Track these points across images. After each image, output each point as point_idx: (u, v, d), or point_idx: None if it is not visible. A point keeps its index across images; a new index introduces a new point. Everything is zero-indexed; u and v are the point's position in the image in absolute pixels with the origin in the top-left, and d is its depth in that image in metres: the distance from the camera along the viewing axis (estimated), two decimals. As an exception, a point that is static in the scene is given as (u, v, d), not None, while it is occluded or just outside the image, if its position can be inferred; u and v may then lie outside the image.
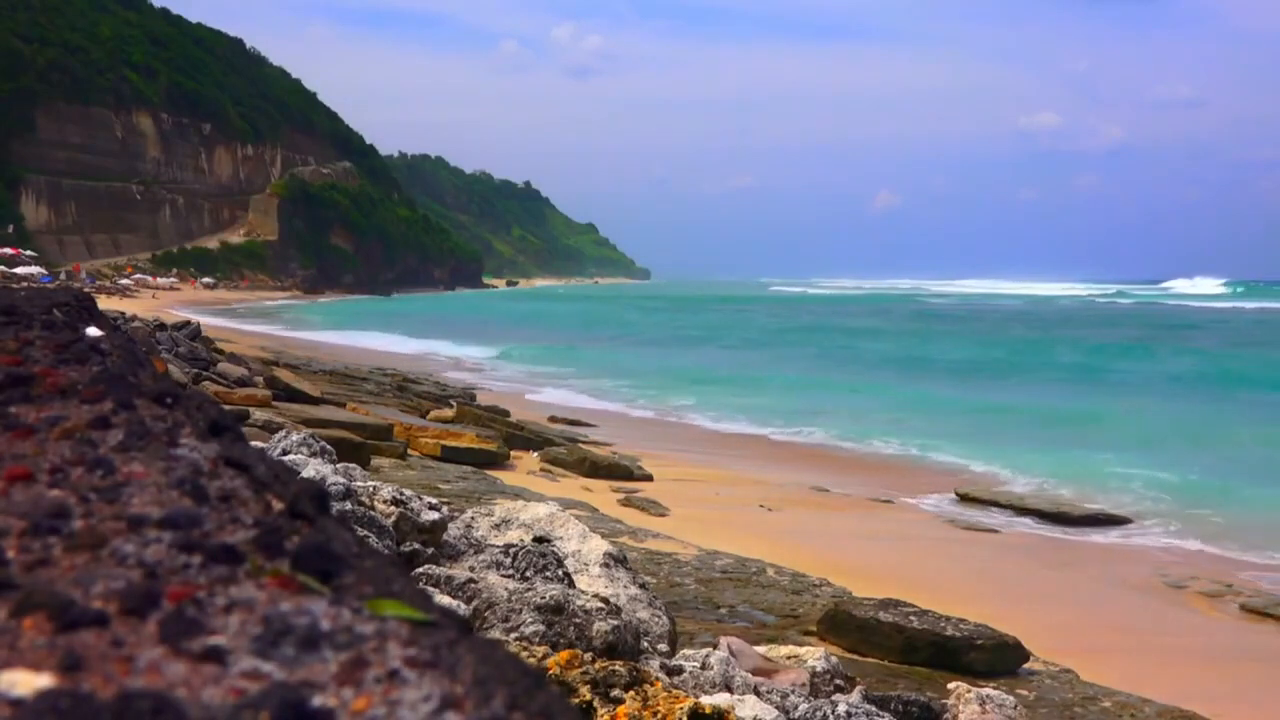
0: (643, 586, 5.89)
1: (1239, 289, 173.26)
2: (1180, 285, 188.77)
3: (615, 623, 4.57)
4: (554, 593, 4.58)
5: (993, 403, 26.63)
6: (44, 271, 63.01)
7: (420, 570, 4.89)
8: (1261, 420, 24.04)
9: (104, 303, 19.13)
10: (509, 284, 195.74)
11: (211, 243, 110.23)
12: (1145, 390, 30.74)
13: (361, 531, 4.73)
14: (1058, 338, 55.90)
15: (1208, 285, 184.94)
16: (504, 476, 13.51)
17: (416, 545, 5.36)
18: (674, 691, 3.75)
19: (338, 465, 6.45)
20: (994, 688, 6.02)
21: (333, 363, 29.70)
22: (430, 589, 4.56)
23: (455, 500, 10.37)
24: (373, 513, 5.31)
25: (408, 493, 5.85)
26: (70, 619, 0.68)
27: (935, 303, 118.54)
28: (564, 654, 3.81)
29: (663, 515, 12.31)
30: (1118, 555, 11.84)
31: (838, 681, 5.62)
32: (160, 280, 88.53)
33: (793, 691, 5.00)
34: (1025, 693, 7.05)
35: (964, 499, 14.45)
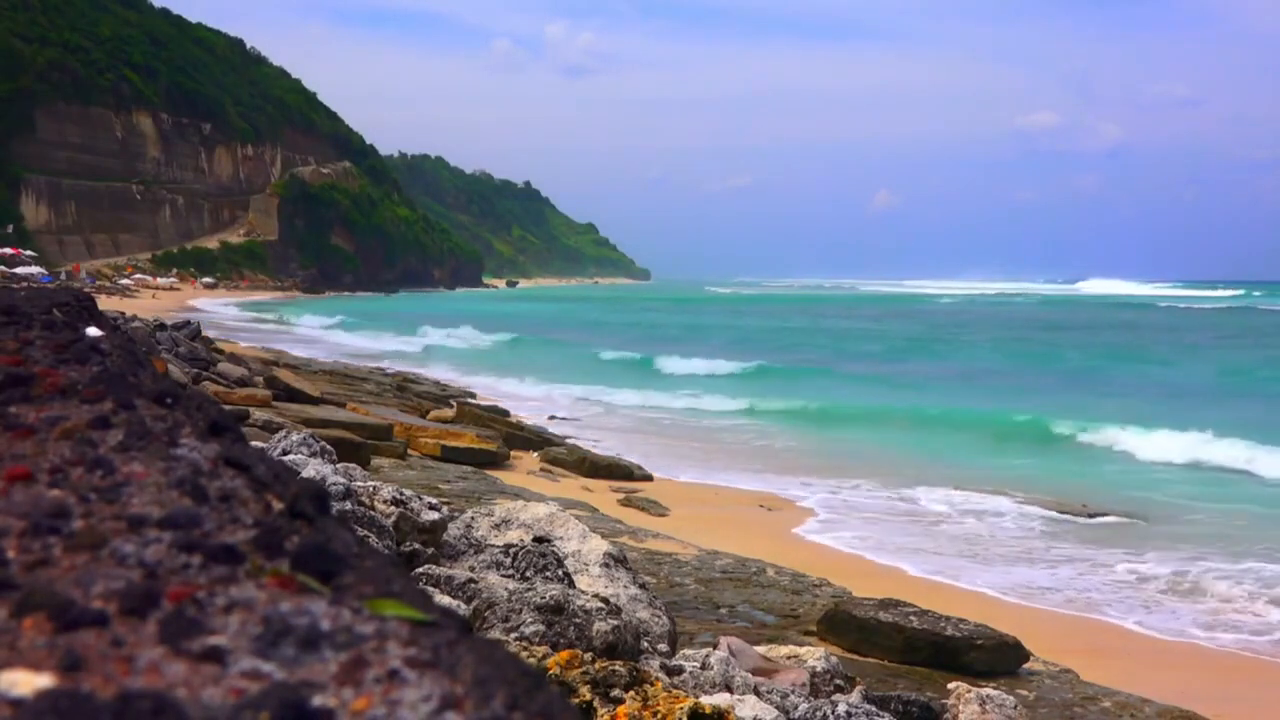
0: (643, 586, 5.89)
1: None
2: (1090, 285, 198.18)
3: (615, 623, 4.57)
4: (554, 593, 4.57)
5: (991, 401, 26.62)
6: (44, 271, 63.01)
7: (420, 570, 4.89)
8: (1260, 418, 24.00)
9: (104, 303, 19.12)
10: (509, 284, 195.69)
11: (211, 243, 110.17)
12: (1143, 390, 30.73)
13: (361, 531, 4.73)
14: (1026, 336, 56.08)
15: (1115, 285, 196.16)
16: (504, 476, 13.51)
17: (416, 545, 5.36)
18: (674, 691, 3.75)
19: (338, 465, 6.45)
20: (994, 688, 6.01)
21: (332, 364, 29.71)
22: (430, 589, 4.56)
23: (455, 500, 10.38)
24: (373, 513, 5.31)
25: (408, 493, 5.85)
26: (70, 619, 0.68)
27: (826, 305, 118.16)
28: (564, 654, 3.81)
29: (663, 515, 12.31)
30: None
31: (838, 681, 5.62)
32: (160, 280, 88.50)
33: (793, 691, 5.00)
34: (1025, 693, 7.05)
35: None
